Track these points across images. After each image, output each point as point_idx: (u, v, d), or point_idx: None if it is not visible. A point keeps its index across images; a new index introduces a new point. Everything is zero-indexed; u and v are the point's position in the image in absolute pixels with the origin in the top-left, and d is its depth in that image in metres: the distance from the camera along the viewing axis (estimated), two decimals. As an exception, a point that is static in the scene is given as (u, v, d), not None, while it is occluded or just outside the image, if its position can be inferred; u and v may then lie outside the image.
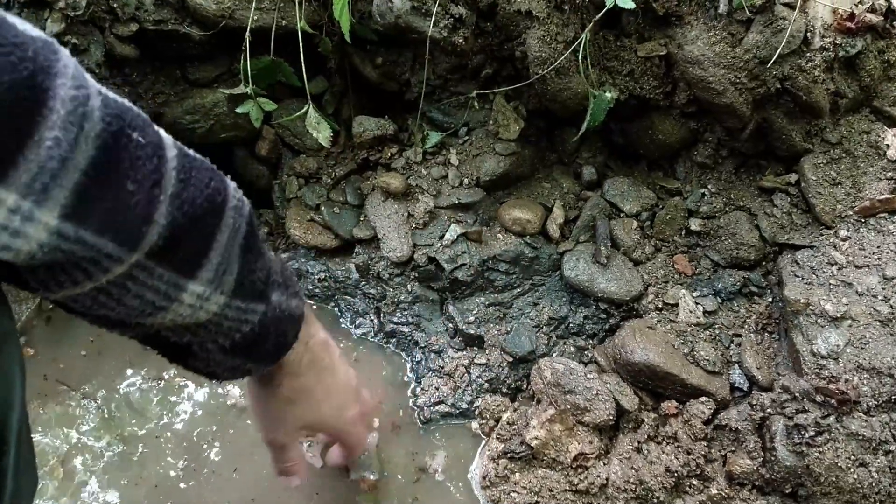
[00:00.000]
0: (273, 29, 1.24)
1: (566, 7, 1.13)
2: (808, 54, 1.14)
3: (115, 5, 1.25)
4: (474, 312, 1.25)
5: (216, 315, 0.54)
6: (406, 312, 1.28)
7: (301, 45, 1.22)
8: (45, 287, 0.46)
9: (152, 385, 1.22)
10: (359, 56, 1.33)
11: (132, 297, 0.48)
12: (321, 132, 1.25)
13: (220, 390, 1.21)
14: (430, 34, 1.15)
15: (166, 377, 1.23)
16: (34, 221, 0.39)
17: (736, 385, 1.14)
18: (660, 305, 1.22)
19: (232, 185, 0.53)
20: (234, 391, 1.21)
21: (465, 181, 1.28)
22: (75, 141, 0.39)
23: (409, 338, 1.28)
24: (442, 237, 1.24)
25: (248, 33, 1.23)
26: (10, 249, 0.39)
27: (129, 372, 1.24)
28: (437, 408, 1.20)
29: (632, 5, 1.07)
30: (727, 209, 1.29)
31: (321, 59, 1.32)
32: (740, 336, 1.18)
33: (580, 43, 1.12)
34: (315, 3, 1.28)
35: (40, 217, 0.39)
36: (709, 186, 1.31)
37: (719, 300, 1.23)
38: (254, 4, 1.23)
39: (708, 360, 1.13)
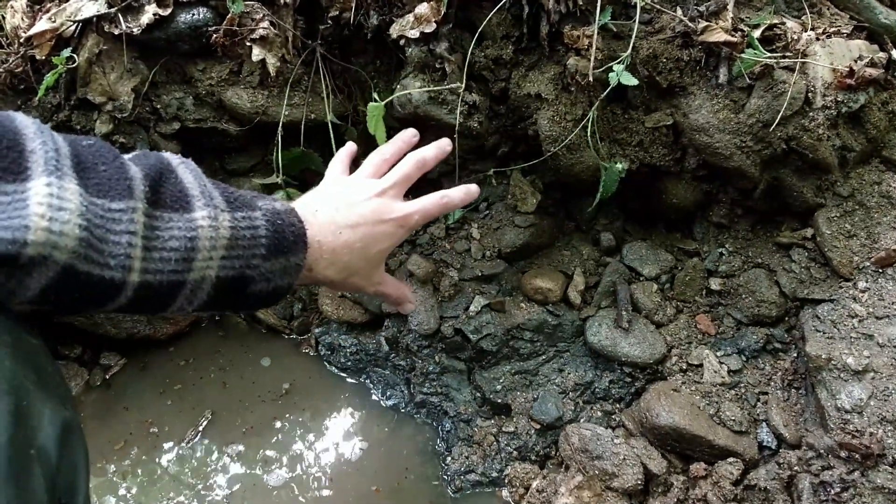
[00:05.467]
0: (303, 122, 1.34)
1: (573, 88, 1.20)
2: (810, 114, 1.17)
3: (159, 107, 1.36)
4: (501, 381, 1.29)
5: (233, 229, 0.63)
6: (435, 383, 1.33)
7: (331, 135, 1.32)
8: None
9: (205, 457, 1.28)
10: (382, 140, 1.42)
11: (172, 241, 0.58)
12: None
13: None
14: (448, 121, 1.23)
15: (215, 452, 1.29)
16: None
17: (764, 444, 1.14)
18: (684, 367, 1.24)
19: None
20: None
21: (487, 254, 1.34)
22: None
23: (439, 408, 1.32)
24: (467, 309, 1.29)
25: (280, 128, 1.33)
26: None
27: (183, 444, 1.29)
28: (467, 476, 1.22)
29: (635, 82, 1.12)
30: (746, 267, 1.31)
31: (347, 146, 1.42)
32: (766, 394, 1.19)
33: (588, 120, 1.18)
34: (340, 96, 1.38)
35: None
36: (726, 245, 1.34)
37: (744, 358, 1.24)
38: (285, 101, 1.33)
39: (734, 419, 1.14)
